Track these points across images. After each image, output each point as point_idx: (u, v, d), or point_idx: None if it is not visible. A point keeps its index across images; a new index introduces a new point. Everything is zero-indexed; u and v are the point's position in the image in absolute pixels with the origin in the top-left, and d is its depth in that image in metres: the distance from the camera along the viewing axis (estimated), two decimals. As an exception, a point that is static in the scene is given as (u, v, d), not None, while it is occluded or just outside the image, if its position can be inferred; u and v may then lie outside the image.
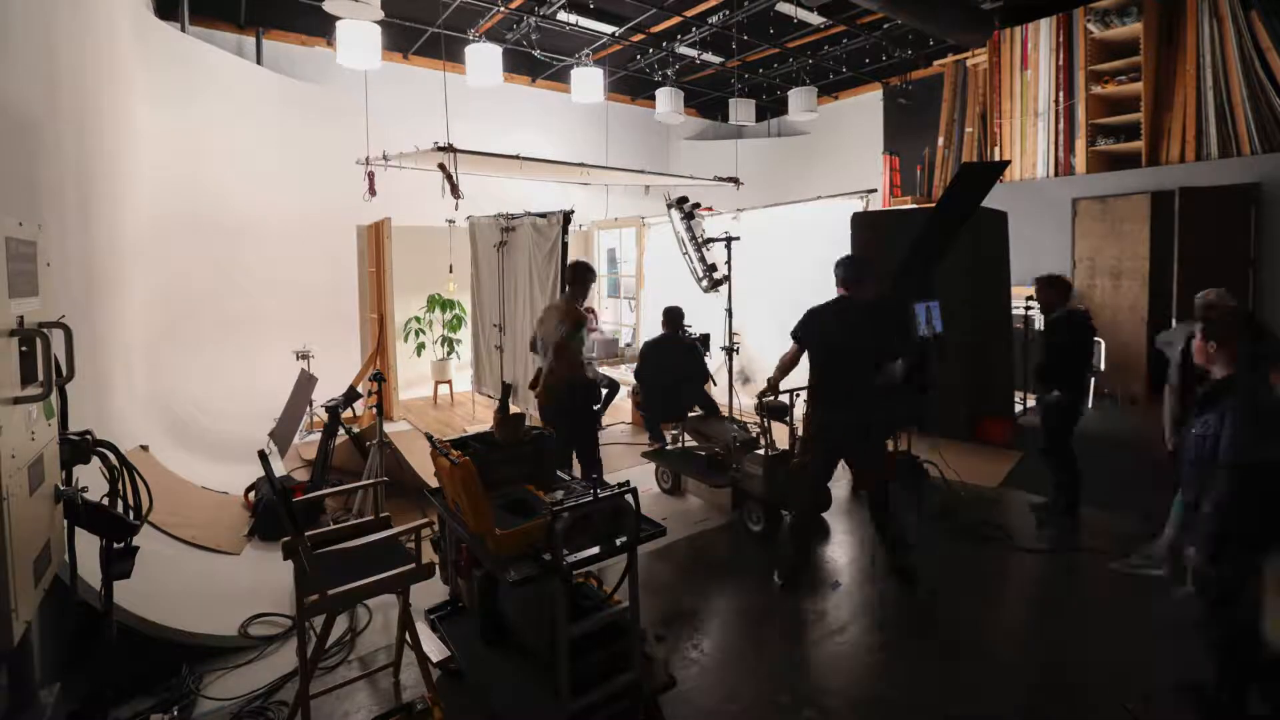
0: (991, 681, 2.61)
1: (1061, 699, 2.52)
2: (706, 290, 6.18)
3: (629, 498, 2.10)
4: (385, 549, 2.25)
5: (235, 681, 2.59)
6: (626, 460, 5.41)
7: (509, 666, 2.37)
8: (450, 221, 6.59)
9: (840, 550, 3.83)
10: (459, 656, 2.49)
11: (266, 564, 3.50)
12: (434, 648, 2.57)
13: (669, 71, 10.79)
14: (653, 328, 8.04)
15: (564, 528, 1.95)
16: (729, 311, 4.85)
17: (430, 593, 3.07)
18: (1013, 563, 3.67)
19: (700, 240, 6.13)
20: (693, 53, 9.99)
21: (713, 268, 6.04)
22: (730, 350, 4.91)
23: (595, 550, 2.06)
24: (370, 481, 2.72)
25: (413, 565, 2.19)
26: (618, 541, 2.10)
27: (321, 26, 8.32)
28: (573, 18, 8.48)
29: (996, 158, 9.23)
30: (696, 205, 6.38)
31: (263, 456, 2.27)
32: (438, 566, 2.71)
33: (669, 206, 6.30)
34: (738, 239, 5.16)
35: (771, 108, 12.45)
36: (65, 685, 1.87)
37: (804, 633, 2.96)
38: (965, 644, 2.87)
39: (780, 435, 4.23)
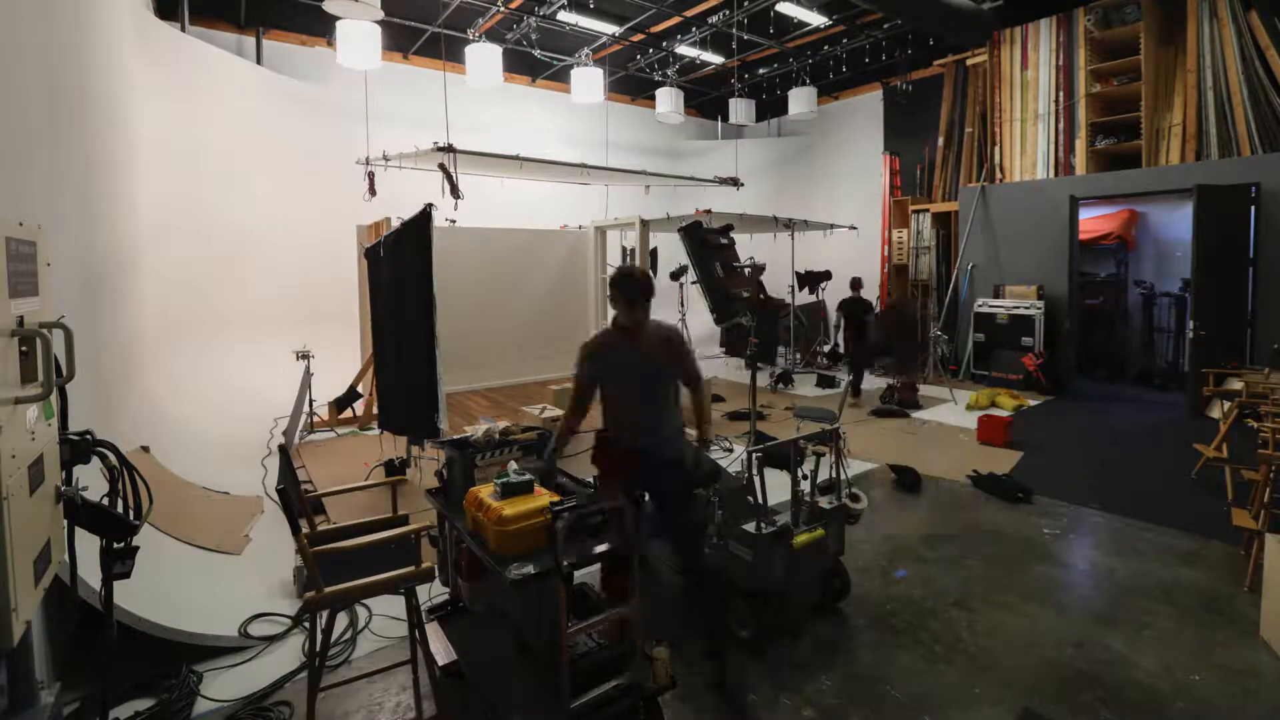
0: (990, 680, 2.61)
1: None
2: (718, 323, 5.64)
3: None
4: (389, 549, 2.26)
5: (235, 681, 2.59)
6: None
7: (509, 666, 2.37)
8: (451, 221, 6.60)
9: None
10: (459, 656, 2.50)
11: (266, 564, 3.50)
12: (441, 649, 2.58)
13: (669, 71, 10.79)
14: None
15: (564, 528, 1.95)
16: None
17: (430, 591, 3.08)
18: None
19: (720, 272, 5.49)
20: (693, 53, 9.99)
21: (730, 298, 5.22)
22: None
23: (595, 550, 2.06)
24: (382, 481, 2.71)
25: (412, 568, 2.19)
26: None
27: (321, 26, 8.33)
28: (573, 18, 8.48)
29: (997, 158, 9.24)
30: (723, 230, 5.48)
31: (283, 451, 2.31)
32: (437, 568, 2.72)
33: (681, 234, 5.69)
34: (763, 266, 5.12)
35: (771, 108, 12.45)
36: (65, 685, 1.87)
37: (806, 631, 2.96)
38: (964, 643, 2.87)
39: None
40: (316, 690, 2.15)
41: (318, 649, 2.17)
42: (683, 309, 11.27)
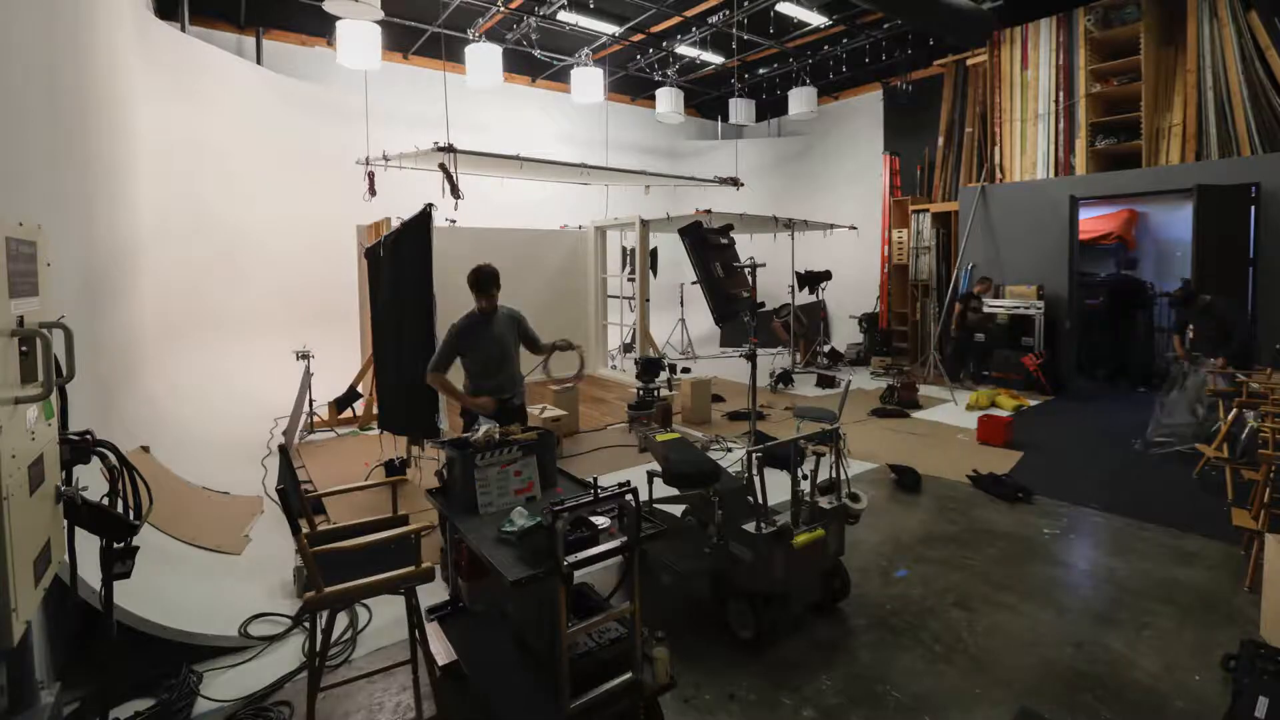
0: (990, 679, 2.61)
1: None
2: (719, 323, 5.61)
3: (629, 497, 2.11)
4: (389, 549, 2.26)
5: (235, 681, 2.59)
6: (626, 460, 5.41)
7: (509, 666, 2.37)
8: (451, 221, 6.61)
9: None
10: (459, 656, 2.50)
11: (266, 564, 3.50)
12: (441, 649, 2.58)
13: (669, 71, 10.80)
14: (656, 329, 8.01)
15: (564, 527, 1.95)
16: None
17: (433, 592, 3.08)
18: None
19: (720, 272, 5.34)
20: (693, 53, 9.99)
21: (731, 299, 5.32)
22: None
23: (595, 550, 2.06)
24: (382, 481, 2.72)
25: (412, 568, 2.19)
26: (618, 542, 2.11)
27: (321, 26, 8.33)
28: (573, 18, 8.48)
29: (997, 158, 9.24)
30: (723, 229, 5.59)
31: (283, 451, 2.31)
32: (438, 567, 2.72)
33: (680, 234, 5.57)
34: (763, 265, 5.12)
35: (771, 108, 12.46)
36: (65, 685, 1.87)
37: (806, 631, 2.96)
38: (964, 643, 2.87)
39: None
40: (317, 690, 2.15)
41: (318, 649, 2.17)
42: (681, 309, 11.29)
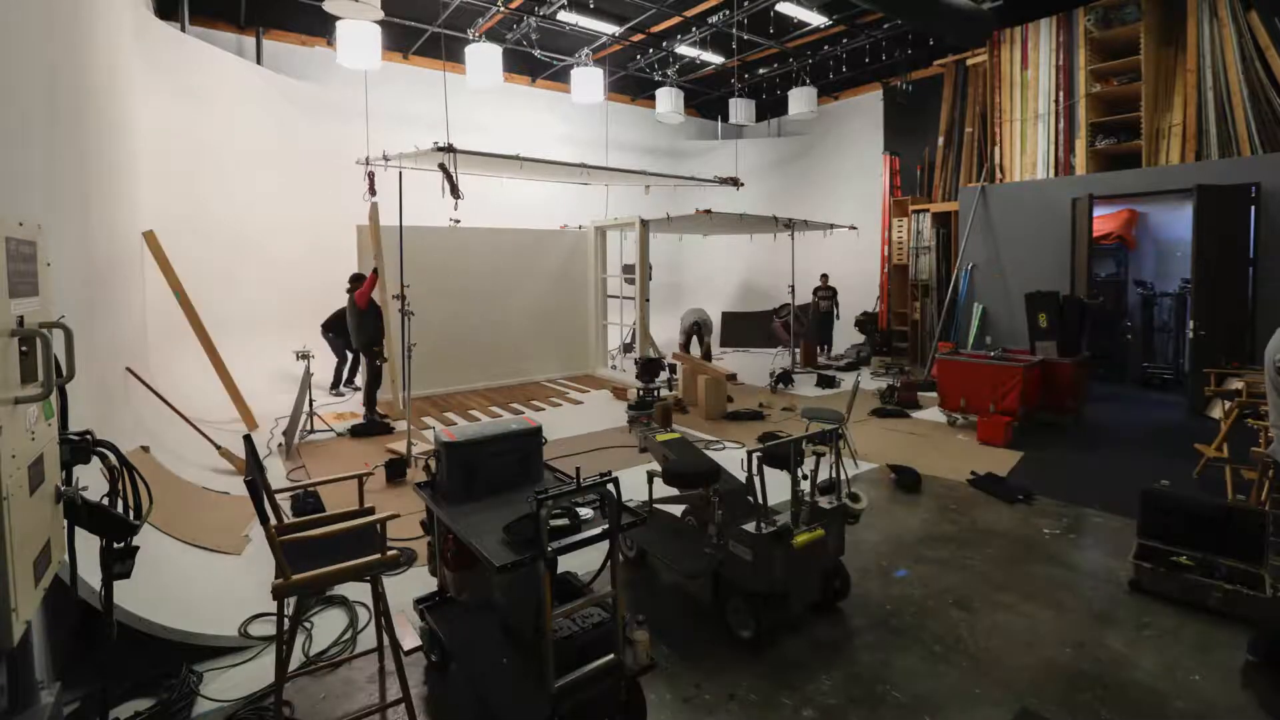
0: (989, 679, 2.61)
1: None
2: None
3: (610, 486, 2.16)
4: (366, 545, 2.27)
5: (235, 681, 2.59)
6: (620, 459, 5.41)
7: (495, 650, 2.41)
8: (455, 222, 6.62)
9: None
10: (448, 643, 2.53)
11: (266, 564, 3.50)
12: (407, 634, 2.62)
13: (669, 71, 10.80)
14: (656, 329, 7.97)
15: (548, 514, 2.00)
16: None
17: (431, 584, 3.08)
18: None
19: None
20: (693, 53, 10.00)
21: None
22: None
23: (578, 537, 2.11)
24: (353, 474, 2.72)
25: (378, 555, 2.21)
26: (599, 529, 2.17)
27: (321, 26, 8.34)
28: (573, 18, 8.49)
29: (997, 158, 9.24)
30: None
31: (248, 441, 2.31)
32: (427, 558, 2.76)
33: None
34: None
35: (771, 108, 12.46)
36: (65, 685, 1.87)
37: (806, 631, 2.96)
38: (963, 642, 2.87)
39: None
40: (284, 676, 2.16)
41: (284, 636, 2.18)
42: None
